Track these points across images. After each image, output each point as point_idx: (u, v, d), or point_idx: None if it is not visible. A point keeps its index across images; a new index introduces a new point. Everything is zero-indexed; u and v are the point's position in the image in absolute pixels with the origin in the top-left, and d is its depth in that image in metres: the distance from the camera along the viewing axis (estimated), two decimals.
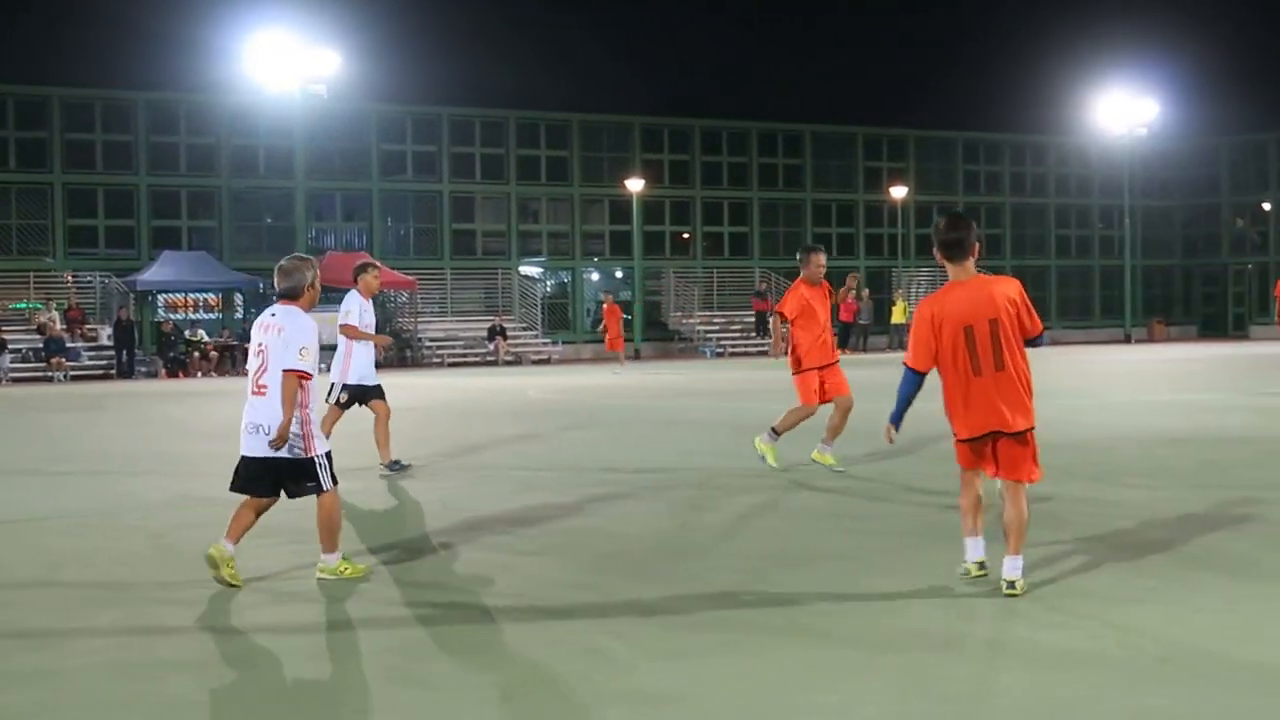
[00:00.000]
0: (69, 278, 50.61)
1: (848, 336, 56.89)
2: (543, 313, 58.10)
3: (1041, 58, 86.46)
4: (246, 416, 9.54)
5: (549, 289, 60.86)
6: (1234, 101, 75.53)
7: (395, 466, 15.72)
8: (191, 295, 52.99)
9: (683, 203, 62.71)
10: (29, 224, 51.82)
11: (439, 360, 51.04)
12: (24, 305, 50.09)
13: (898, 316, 58.84)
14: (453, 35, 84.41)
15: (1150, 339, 66.14)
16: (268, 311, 9.75)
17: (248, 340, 10.37)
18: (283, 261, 9.85)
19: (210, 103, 53.56)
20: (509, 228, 59.40)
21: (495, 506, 13.06)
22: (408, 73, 67.77)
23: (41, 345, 46.22)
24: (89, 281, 50.47)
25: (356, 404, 15.79)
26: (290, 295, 9.66)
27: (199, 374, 45.53)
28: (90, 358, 47.06)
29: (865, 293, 59.21)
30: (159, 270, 49.23)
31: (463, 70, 72.15)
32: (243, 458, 9.56)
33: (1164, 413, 21.37)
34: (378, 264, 17.15)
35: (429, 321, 54.41)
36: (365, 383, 15.63)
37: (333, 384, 15.46)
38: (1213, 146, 73.61)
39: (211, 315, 53.21)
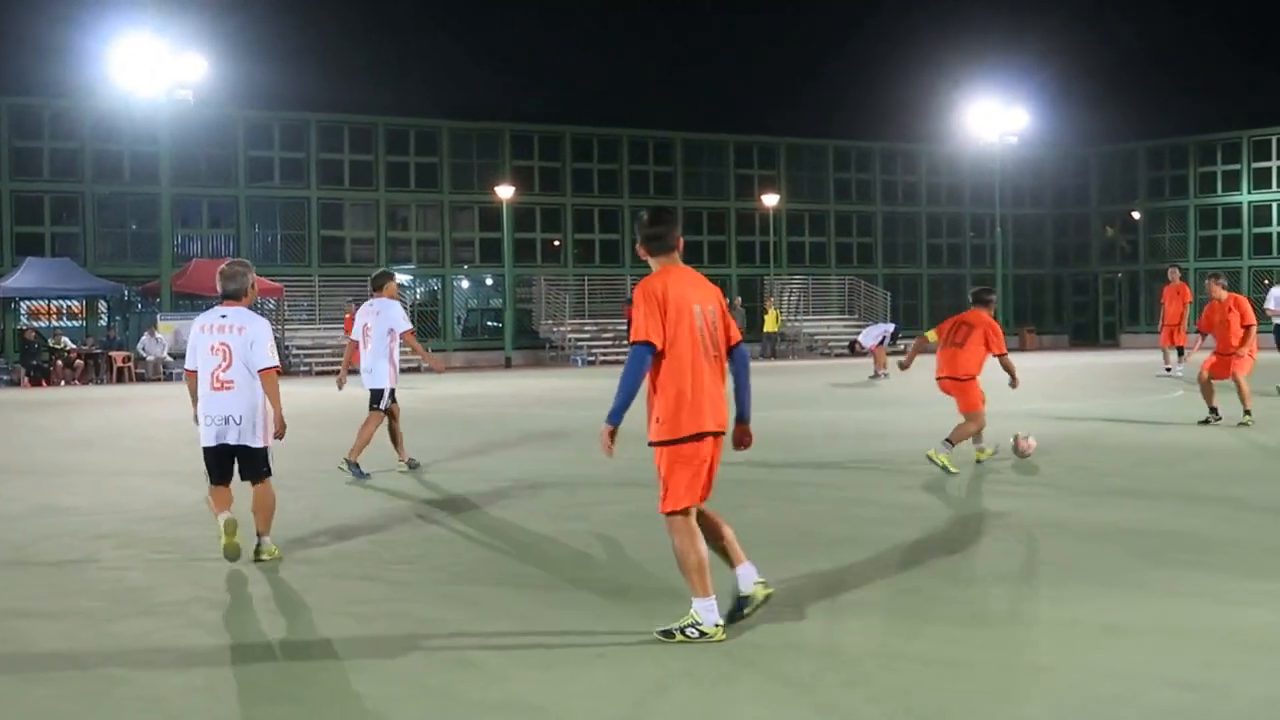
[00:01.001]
0: None
1: None
2: (413, 320, 57.52)
3: (912, 66, 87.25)
4: (211, 410, 10.39)
5: (419, 296, 60.44)
6: (1102, 112, 76.87)
7: (414, 464, 16.71)
8: (55, 302, 52.03)
9: (553, 210, 62.58)
10: None
11: (307, 368, 50.54)
12: None
13: (770, 325, 59.01)
14: (321, 42, 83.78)
15: (1022, 348, 66.71)
16: (216, 313, 10.60)
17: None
18: (223, 266, 10.78)
19: (74, 107, 52.63)
20: (378, 234, 58.95)
21: (364, 516, 12.96)
22: (275, 79, 67.22)
23: None
24: None
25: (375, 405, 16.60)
26: (235, 296, 10.62)
27: (62, 382, 44.70)
28: None
29: (738, 301, 59.37)
30: (21, 277, 48.26)
31: (331, 77, 71.70)
32: (210, 449, 10.50)
33: (1036, 421, 21.60)
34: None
35: (296, 329, 53.84)
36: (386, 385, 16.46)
37: (384, 390, 16.45)
38: (1082, 156, 74.72)
39: (75, 323, 52.25)
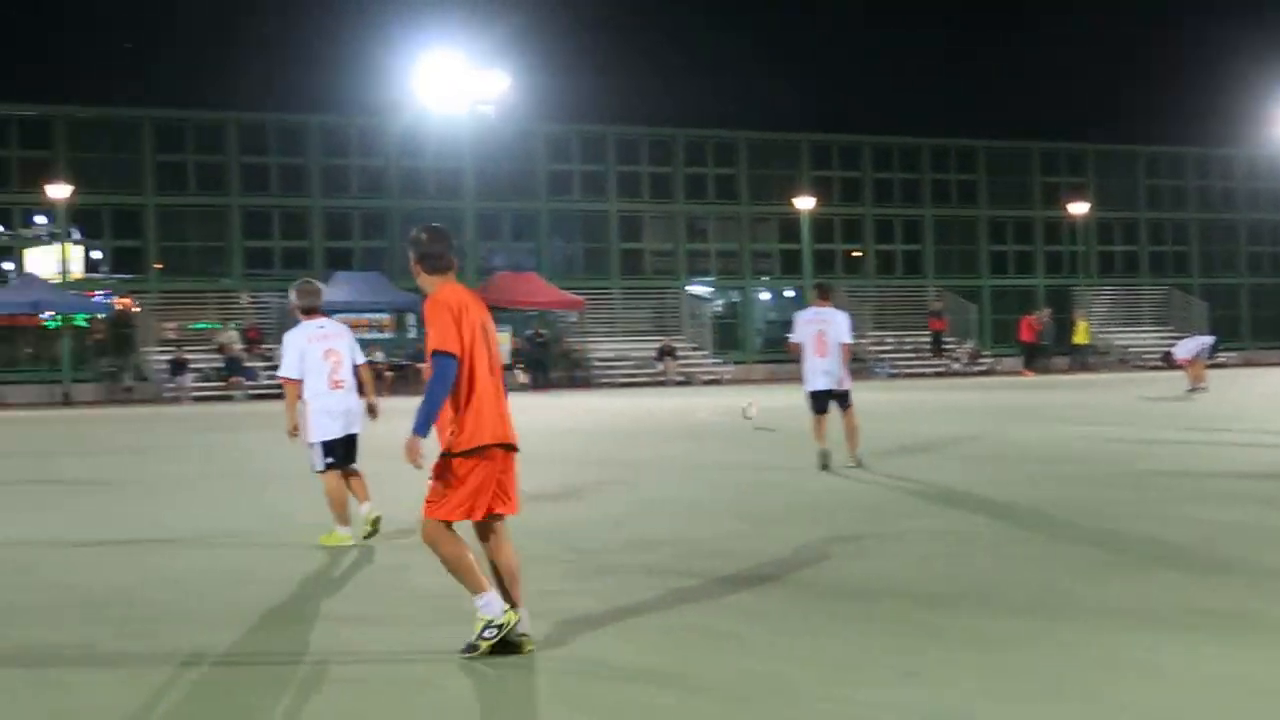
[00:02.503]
0: (246, 298, 51.31)
1: (1031, 358, 55.49)
2: (713, 333, 57.56)
3: (1227, 70, 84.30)
4: (334, 406, 11.96)
5: (719, 308, 60.40)
6: None
7: (860, 462, 17.17)
8: (364, 315, 53.32)
9: (853, 220, 62.00)
10: (208, 246, 52.99)
11: (609, 380, 50.83)
12: (204, 325, 50.95)
13: (1080, 337, 57.37)
14: (618, 55, 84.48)
15: None
16: (313, 325, 12.21)
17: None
18: (302, 286, 12.43)
19: (380, 125, 54.04)
20: (677, 247, 59.16)
21: (668, 525, 12.65)
22: (573, 92, 67.88)
23: (222, 365, 47.21)
24: (266, 302, 51.14)
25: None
26: (315, 310, 12.29)
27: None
28: (268, 377, 47.51)
29: (1048, 312, 57.90)
30: (332, 291, 49.24)
31: (628, 89, 71.99)
32: (340, 440, 12.00)
33: None
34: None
35: (598, 341, 54.27)
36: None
37: (849, 390, 17.57)
38: None
39: (384, 335, 53.45)
